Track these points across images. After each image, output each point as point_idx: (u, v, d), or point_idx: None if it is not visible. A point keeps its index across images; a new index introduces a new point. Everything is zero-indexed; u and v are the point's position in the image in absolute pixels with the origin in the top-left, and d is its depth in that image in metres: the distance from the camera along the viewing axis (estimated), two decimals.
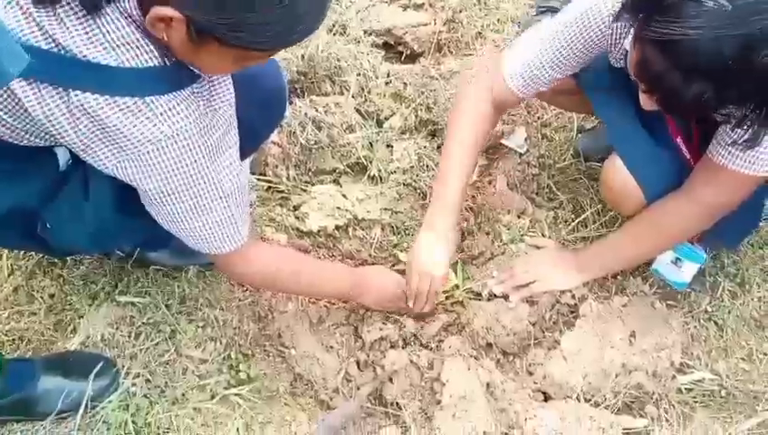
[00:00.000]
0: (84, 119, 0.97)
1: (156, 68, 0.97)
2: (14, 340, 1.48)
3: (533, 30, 1.48)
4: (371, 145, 1.98)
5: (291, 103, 1.98)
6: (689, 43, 0.98)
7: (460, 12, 2.42)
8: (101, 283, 1.58)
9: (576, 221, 1.82)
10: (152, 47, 0.97)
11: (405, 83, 2.14)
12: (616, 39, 1.36)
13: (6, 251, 1.62)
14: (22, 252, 1.62)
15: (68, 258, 1.60)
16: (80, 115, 0.96)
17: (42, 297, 1.55)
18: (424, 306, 1.58)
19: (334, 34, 2.24)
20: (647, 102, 1.18)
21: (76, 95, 0.95)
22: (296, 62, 2.05)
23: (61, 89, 0.95)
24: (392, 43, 2.35)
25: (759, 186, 1.38)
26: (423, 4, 2.40)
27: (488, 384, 1.47)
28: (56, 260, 1.61)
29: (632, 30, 1.24)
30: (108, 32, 0.93)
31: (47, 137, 1.05)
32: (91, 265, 1.61)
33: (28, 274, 1.59)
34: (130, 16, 0.94)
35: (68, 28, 0.92)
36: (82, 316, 1.52)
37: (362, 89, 2.09)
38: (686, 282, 1.66)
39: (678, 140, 1.48)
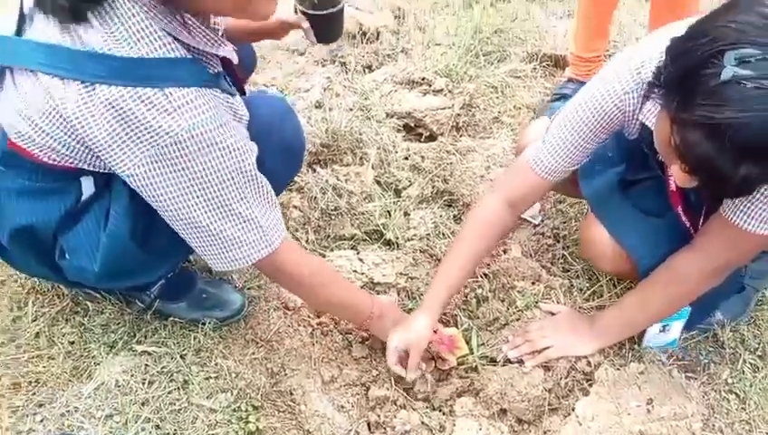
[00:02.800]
0: (108, 113, 1.04)
1: (173, 59, 1.05)
2: (30, 382, 1.50)
3: (554, 120, 1.52)
4: (389, 214, 2.04)
5: (314, 172, 2.07)
6: (740, 128, 0.97)
7: (478, 97, 2.56)
8: (120, 332, 1.61)
9: (591, 290, 1.83)
10: (169, 39, 1.05)
11: (423, 157, 2.22)
12: (631, 114, 1.39)
13: (32, 299, 1.66)
14: (47, 300, 1.67)
15: (89, 305, 1.64)
16: (104, 110, 1.03)
17: (61, 343, 1.58)
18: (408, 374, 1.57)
19: (357, 114, 2.37)
20: (684, 180, 1.14)
21: (102, 90, 1.02)
22: (320, 135, 2.16)
23: (88, 84, 1.03)
24: (413, 125, 2.46)
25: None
26: (442, 89, 2.53)
27: None
28: (79, 309, 1.66)
29: (648, 103, 1.29)
30: (124, 23, 1.02)
31: (75, 145, 1.11)
32: (112, 315, 1.64)
33: (51, 320, 1.62)
34: (145, 5, 1.03)
35: (92, 26, 1.02)
36: (99, 363, 1.54)
37: (382, 161, 2.19)
38: (675, 338, 1.67)
39: (679, 209, 1.50)
